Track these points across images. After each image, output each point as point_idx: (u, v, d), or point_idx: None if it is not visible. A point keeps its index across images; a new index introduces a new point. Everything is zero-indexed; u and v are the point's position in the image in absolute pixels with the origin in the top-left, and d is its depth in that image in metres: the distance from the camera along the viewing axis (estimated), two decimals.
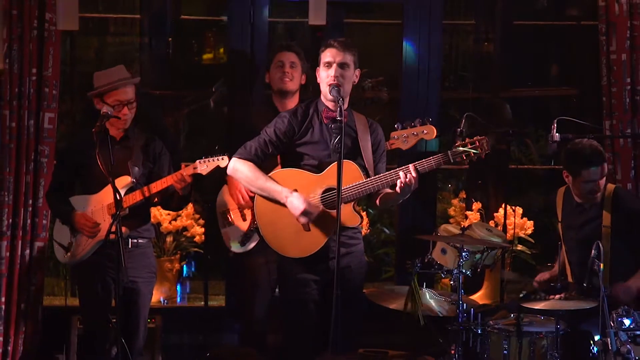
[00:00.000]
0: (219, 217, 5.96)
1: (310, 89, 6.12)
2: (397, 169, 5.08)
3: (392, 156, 5.91)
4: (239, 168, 5.20)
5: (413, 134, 5.71)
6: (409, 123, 5.73)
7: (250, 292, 6.02)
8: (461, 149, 5.13)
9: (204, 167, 5.40)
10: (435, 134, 5.71)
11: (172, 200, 5.61)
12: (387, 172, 5.14)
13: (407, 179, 5.00)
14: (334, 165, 5.03)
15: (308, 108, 5.24)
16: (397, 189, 5.03)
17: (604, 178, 5.72)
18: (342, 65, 5.10)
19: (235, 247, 5.88)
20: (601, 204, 5.73)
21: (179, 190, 5.46)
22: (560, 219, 5.93)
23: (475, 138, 5.14)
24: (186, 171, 5.40)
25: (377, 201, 5.28)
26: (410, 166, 5.04)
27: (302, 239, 5.13)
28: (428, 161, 5.11)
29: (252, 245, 5.83)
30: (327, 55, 5.12)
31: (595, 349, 5.09)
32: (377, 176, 5.12)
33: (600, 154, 5.67)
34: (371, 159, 5.21)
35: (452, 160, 5.13)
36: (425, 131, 5.70)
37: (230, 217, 5.90)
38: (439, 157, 5.12)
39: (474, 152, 5.09)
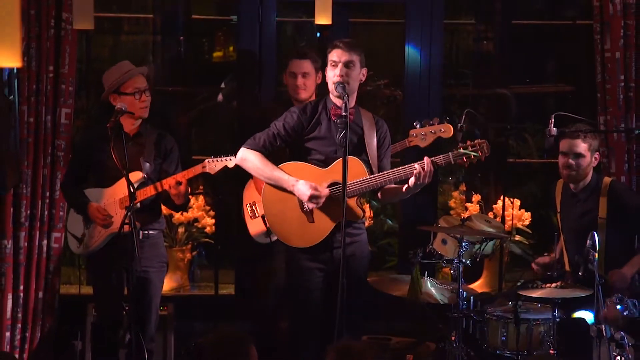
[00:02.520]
0: (245, 210, 6.00)
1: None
2: (401, 167, 5.14)
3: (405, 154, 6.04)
4: (248, 157, 5.30)
5: (431, 132, 5.76)
6: (427, 121, 5.79)
7: (265, 279, 6.15)
8: (462, 151, 5.16)
9: (212, 166, 5.44)
10: (452, 132, 5.73)
11: (169, 200, 5.62)
12: (390, 170, 5.20)
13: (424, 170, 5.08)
14: (340, 160, 5.10)
15: (317, 105, 5.34)
16: (412, 179, 5.08)
17: (584, 160, 5.77)
18: (347, 64, 5.19)
19: (260, 239, 5.94)
20: (597, 196, 5.81)
21: (173, 197, 5.49)
22: (558, 210, 6.02)
23: (476, 141, 5.17)
24: (195, 170, 5.44)
25: (379, 195, 5.36)
26: (426, 159, 5.11)
27: (307, 230, 5.23)
28: (438, 158, 5.17)
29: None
30: (334, 55, 5.23)
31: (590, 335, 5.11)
32: (380, 173, 5.19)
33: (576, 128, 5.73)
34: (375, 155, 5.29)
35: (452, 162, 5.17)
36: (443, 129, 5.75)
37: (257, 210, 5.96)
38: (441, 158, 5.17)
39: (474, 155, 5.14)
